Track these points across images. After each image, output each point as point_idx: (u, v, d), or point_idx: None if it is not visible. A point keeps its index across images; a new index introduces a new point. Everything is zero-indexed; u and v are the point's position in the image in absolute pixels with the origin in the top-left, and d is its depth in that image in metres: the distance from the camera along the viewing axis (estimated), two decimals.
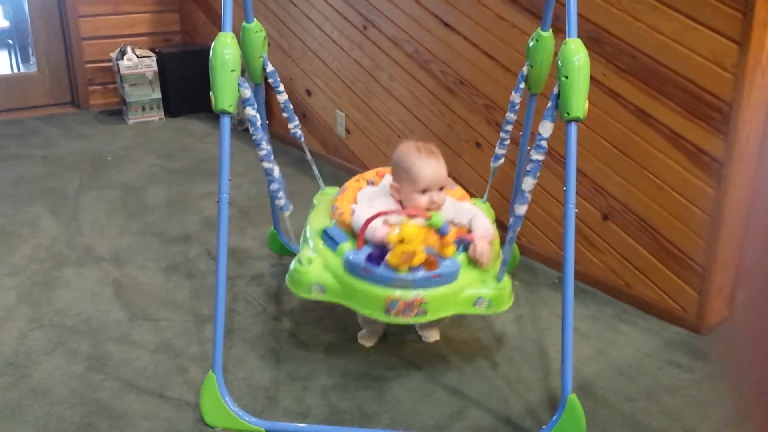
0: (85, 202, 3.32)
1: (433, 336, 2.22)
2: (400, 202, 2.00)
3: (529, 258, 2.77)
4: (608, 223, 2.51)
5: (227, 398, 1.84)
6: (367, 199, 2.06)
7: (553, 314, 2.40)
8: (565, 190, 1.78)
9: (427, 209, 1.94)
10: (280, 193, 2.00)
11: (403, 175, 1.97)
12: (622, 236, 2.47)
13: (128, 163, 3.87)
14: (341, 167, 3.79)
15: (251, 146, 4.20)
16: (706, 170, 2.18)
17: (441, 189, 1.97)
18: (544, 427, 1.83)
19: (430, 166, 1.94)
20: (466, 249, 1.92)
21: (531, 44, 2.13)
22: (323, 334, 2.26)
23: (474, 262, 1.91)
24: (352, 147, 3.73)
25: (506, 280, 1.92)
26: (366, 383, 2.03)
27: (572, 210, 1.77)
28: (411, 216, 1.85)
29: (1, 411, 1.88)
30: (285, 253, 2.75)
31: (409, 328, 2.26)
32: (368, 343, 2.19)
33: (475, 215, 2.02)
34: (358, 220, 1.93)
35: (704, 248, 2.24)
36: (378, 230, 1.86)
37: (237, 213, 3.18)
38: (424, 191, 1.95)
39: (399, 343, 2.21)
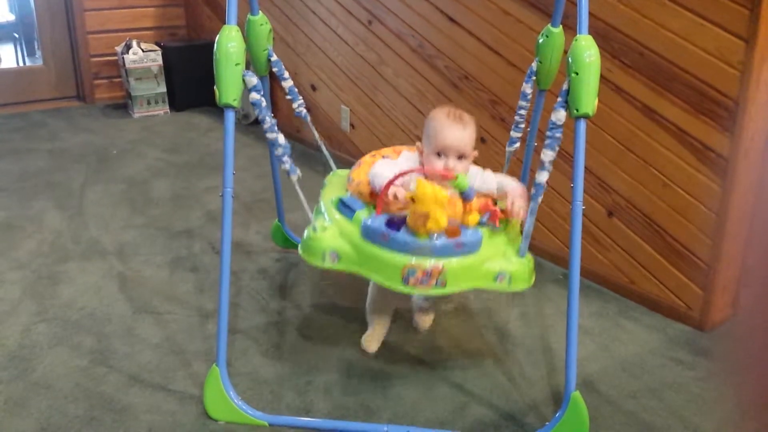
0: (90, 196, 3.32)
1: (426, 322, 2.20)
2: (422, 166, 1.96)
3: (534, 254, 2.76)
4: (613, 219, 2.50)
5: (231, 392, 1.84)
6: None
7: (558, 311, 2.39)
8: (572, 187, 1.77)
9: (443, 176, 1.87)
10: (285, 158, 1.92)
11: (426, 134, 1.94)
12: (627, 233, 2.46)
13: (133, 157, 3.88)
14: (346, 162, 3.78)
15: (256, 141, 4.21)
16: (711, 167, 2.17)
17: (461, 158, 1.92)
18: (547, 423, 1.83)
19: (451, 129, 1.90)
20: (486, 224, 1.88)
21: (541, 40, 2.12)
22: (327, 329, 2.26)
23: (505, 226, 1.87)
24: (356, 142, 3.73)
25: (529, 256, 1.86)
26: (369, 378, 2.03)
27: (579, 207, 1.76)
28: (431, 178, 1.78)
29: (6, 404, 1.89)
30: (289, 246, 2.75)
31: (412, 332, 2.26)
32: (372, 347, 2.11)
33: (503, 179, 2.00)
34: (375, 176, 1.88)
35: (709, 245, 2.23)
36: (380, 175, 1.83)
37: (241, 207, 3.18)
38: (439, 154, 1.90)
39: (402, 339, 2.21)
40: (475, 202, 1.83)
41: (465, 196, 1.77)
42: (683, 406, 1.94)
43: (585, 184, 2.47)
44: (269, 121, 1.91)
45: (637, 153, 2.37)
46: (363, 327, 2.22)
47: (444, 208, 1.71)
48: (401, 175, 1.81)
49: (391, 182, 1.79)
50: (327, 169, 2.44)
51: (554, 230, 2.72)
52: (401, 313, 2.31)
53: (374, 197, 1.88)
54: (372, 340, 2.12)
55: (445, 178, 1.83)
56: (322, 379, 2.01)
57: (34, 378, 1.99)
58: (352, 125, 3.74)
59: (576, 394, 1.79)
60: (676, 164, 2.26)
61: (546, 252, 2.76)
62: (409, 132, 3.34)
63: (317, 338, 2.21)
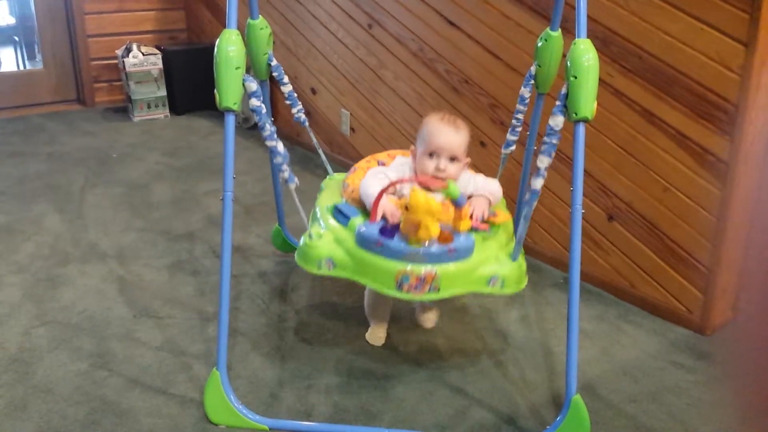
0: (90, 199, 3.32)
1: (430, 320, 2.22)
2: (416, 173, 1.99)
3: (534, 258, 2.77)
4: (613, 223, 2.50)
5: (231, 396, 1.84)
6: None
7: (558, 314, 2.40)
8: (571, 191, 1.77)
9: (433, 177, 1.92)
10: (284, 166, 1.94)
11: (419, 137, 1.99)
12: (627, 237, 2.46)
13: (133, 161, 3.88)
14: (346, 166, 3.78)
15: (256, 144, 4.21)
16: (711, 171, 2.18)
17: (453, 160, 1.95)
18: (547, 427, 1.83)
19: (443, 130, 1.94)
20: (478, 229, 1.89)
21: (539, 44, 2.12)
22: (327, 333, 2.26)
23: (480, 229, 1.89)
24: (356, 145, 3.73)
25: (521, 260, 1.88)
26: (370, 382, 2.03)
27: (579, 211, 1.76)
28: (425, 188, 1.80)
29: (5, 408, 1.88)
30: (289, 250, 2.75)
31: (413, 327, 2.26)
32: (377, 341, 2.17)
33: (484, 183, 2.03)
34: (365, 186, 1.91)
35: (709, 249, 2.23)
36: (370, 186, 1.86)
37: (241, 211, 3.18)
38: (431, 154, 1.94)
39: (403, 342, 2.21)
40: (467, 209, 1.83)
41: (457, 204, 1.78)
42: (684, 410, 1.94)
43: (585, 188, 2.48)
44: (269, 128, 1.92)
45: (637, 157, 2.37)
46: (363, 330, 2.22)
47: (436, 217, 1.73)
48: (390, 186, 1.83)
49: (378, 199, 1.80)
50: (326, 174, 2.45)
51: (554, 234, 2.72)
52: (402, 315, 2.31)
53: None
54: (377, 334, 2.18)
55: (435, 184, 1.83)
56: (322, 382, 2.01)
57: (34, 381, 1.99)
58: (352, 129, 3.74)
59: (577, 398, 1.79)
60: (676, 168, 2.27)
61: (546, 256, 2.76)
62: (409, 136, 3.34)
63: (317, 341, 2.21)
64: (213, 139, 4.29)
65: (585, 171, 2.13)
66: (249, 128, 4.38)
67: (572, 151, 1.77)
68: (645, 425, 1.88)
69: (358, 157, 3.70)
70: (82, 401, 1.91)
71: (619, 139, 2.41)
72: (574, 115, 1.76)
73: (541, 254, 2.77)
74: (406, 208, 1.72)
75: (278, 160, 1.94)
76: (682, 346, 2.25)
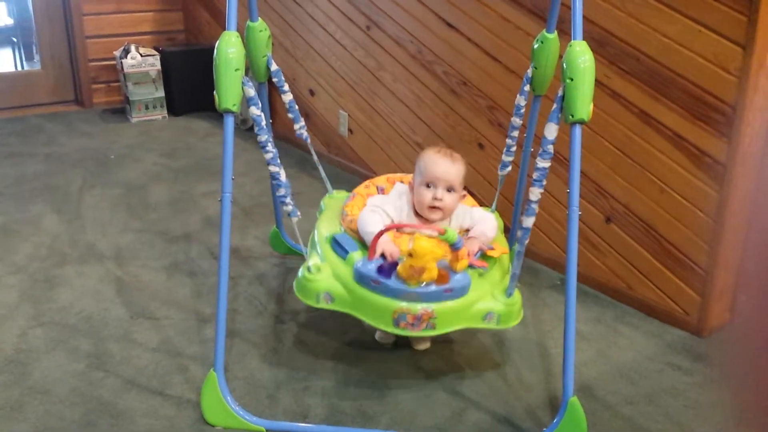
0: (88, 200, 3.32)
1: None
2: (414, 207, 2.03)
3: (531, 259, 2.77)
4: (610, 225, 2.50)
5: (228, 397, 1.84)
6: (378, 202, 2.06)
7: (555, 316, 2.40)
8: (568, 193, 1.77)
9: (430, 207, 1.96)
10: (288, 199, 1.98)
11: (416, 169, 2.03)
12: (624, 238, 2.47)
13: (131, 162, 3.88)
14: (344, 167, 3.79)
15: (254, 146, 4.20)
16: (708, 173, 2.18)
17: (450, 191, 1.99)
18: (544, 429, 1.83)
19: (440, 161, 1.99)
20: (475, 267, 1.91)
21: (536, 46, 2.12)
22: (325, 335, 2.26)
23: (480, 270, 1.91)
24: (354, 147, 3.73)
25: (516, 295, 1.90)
26: (366, 384, 2.03)
27: (576, 213, 1.77)
28: (422, 215, 1.83)
29: (2, 409, 1.88)
30: (287, 252, 2.75)
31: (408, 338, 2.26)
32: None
33: (480, 217, 2.05)
34: (364, 223, 1.94)
35: (706, 251, 2.23)
36: (369, 224, 1.89)
37: (239, 212, 3.18)
38: (428, 185, 1.98)
39: (400, 345, 2.21)
40: (465, 251, 1.83)
41: (454, 247, 1.79)
42: (680, 412, 1.95)
43: (582, 189, 2.48)
44: (271, 151, 1.95)
45: (634, 159, 2.38)
46: (362, 333, 2.23)
47: (437, 260, 1.77)
48: (389, 229, 1.84)
49: (377, 237, 1.82)
50: (323, 190, 2.46)
51: (552, 236, 2.72)
52: None
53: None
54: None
55: (433, 230, 1.83)
56: (319, 384, 2.01)
57: (31, 382, 1.99)
58: (350, 130, 3.74)
59: (574, 400, 1.79)
60: (673, 170, 2.27)
61: (543, 257, 2.76)
62: (407, 137, 3.35)
63: (315, 343, 2.21)
64: (211, 141, 4.29)
65: (582, 172, 2.13)
66: (247, 130, 4.37)
67: (569, 152, 1.78)
68: (642, 427, 1.88)
69: (356, 158, 3.72)
70: (78, 402, 1.91)
71: (616, 141, 2.42)
72: (570, 117, 1.76)
73: (537, 256, 2.77)
74: (410, 254, 1.74)
75: (281, 192, 2.00)
76: (679, 348, 2.25)
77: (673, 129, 2.24)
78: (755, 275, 0.58)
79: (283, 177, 1.99)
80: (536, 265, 2.76)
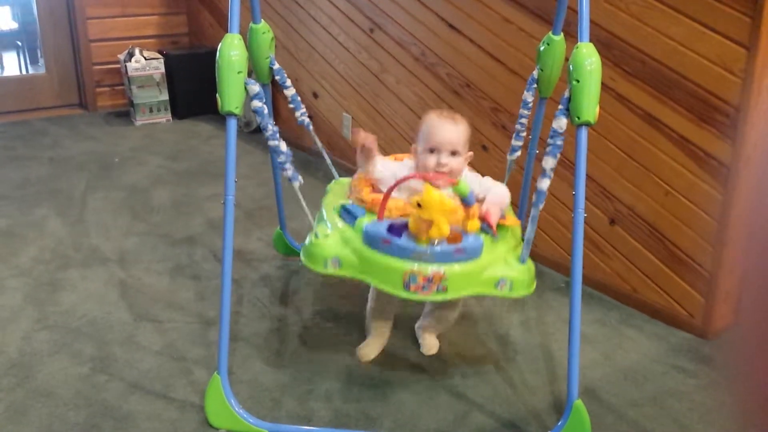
0: (92, 203, 3.32)
1: (433, 347, 2.14)
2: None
3: (536, 261, 2.76)
4: (615, 227, 2.50)
5: (232, 400, 1.84)
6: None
7: (559, 319, 2.39)
8: (573, 195, 1.77)
9: (436, 172, 1.91)
10: (287, 164, 1.92)
11: (420, 135, 1.99)
12: (629, 241, 2.46)
13: (135, 165, 3.88)
14: (347, 170, 3.78)
15: (257, 148, 4.21)
16: (713, 175, 2.17)
17: (453, 155, 1.94)
18: (549, 431, 1.82)
19: (443, 125, 1.95)
20: (487, 231, 1.87)
21: (542, 48, 2.12)
22: (328, 337, 2.26)
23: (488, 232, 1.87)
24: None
25: (530, 263, 1.86)
26: (370, 387, 2.02)
27: (581, 215, 1.76)
28: (435, 185, 1.79)
29: (6, 412, 1.88)
30: (291, 254, 2.75)
31: (412, 340, 2.25)
32: (368, 356, 2.05)
33: (492, 185, 2.01)
34: (381, 173, 1.95)
35: (711, 253, 2.22)
36: (387, 179, 1.90)
37: (242, 215, 3.18)
38: (432, 150, 1.94)
39: (403, 347, 2.20)
40: (476, 209, 1.82)
41: (466, 202, 1.76)
42: (685, 415, 1.94)
43: (587, 191, 2.47)
44: (271, 128, 1.91)
45: (638, 161, 2.37)
46: (364, 336, 2.21)
47: (448, 215, 1.70)
48: (402, 181, 1.81)
49: (386, 198, 1.79)
50: (328, 177, 2.44)
51: (556, 238, 2.72)
52: (402, 324, 2.30)
53: (375, 204, 1.88)
54: (368, 348, 2.06)
55: (444, 181, 1.82)
56: (323, 386, 2.01)
57: (35, 385, 1.99)
58: (353, 132, 3.74)
59: (578, 403, 1.78)
60: (677, 172, 2.26)
61: (548, 260, 2.75)
62: (411, 139, 3.33)
63: (318, 346, 2.21)
64: (214, 143, 4.29)
65: (587, 175, 2.12)
66: (250, 132, 4.38)
67: (574, 154, 1.77)
68: (647, 430, 1.88)
69: None
70: (82, 405, 1.91)
71: (621, 143, 2.41)
72: (576, 119, 1.76)
73: (542, 258, 2.76)
74: (419, 205, 1.69)
75: (281, 158, 1.92)
76: (684, 350, 2.24)
77: (678, 131, 2.23)
78: (760, 277, 0.58)
79: (283, 147, 1.92)
80: (541, 268, 2.75)
